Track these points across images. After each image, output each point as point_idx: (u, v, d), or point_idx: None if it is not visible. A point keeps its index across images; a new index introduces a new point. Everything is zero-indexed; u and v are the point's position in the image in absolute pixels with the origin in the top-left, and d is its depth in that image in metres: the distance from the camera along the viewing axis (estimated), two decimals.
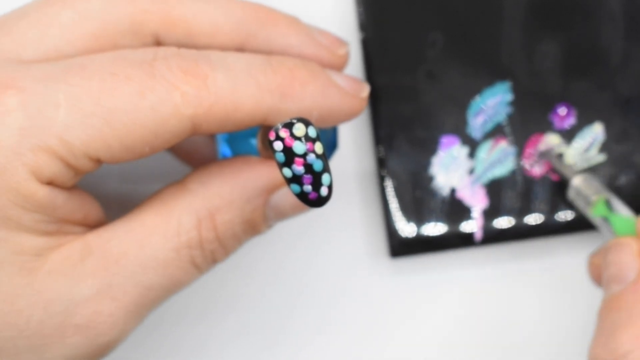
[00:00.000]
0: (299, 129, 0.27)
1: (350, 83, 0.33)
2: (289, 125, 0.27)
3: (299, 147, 0.27)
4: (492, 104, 0.42)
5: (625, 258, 0.34)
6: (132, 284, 0.31)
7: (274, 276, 0.43)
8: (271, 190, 0.33)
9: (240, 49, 0.33)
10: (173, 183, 0.33)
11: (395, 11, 0.42)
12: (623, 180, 0.42)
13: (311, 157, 0.27)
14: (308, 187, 0.28)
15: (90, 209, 0.32)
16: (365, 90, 0.34)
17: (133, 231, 0.31)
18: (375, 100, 0.42)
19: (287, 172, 0.27)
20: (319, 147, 0.27)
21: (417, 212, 0.41)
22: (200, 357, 0.43)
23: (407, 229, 0.41)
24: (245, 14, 0.33)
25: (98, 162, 0.30)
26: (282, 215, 0.34)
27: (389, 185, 0.41)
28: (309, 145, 0.27)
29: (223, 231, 0.32)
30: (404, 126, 0.42)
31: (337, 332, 0.43)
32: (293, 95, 0.31)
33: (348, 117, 0.33)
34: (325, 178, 0.28)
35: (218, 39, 0.32)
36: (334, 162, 0.43)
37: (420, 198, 0.41)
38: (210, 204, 0.32)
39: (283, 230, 0.43)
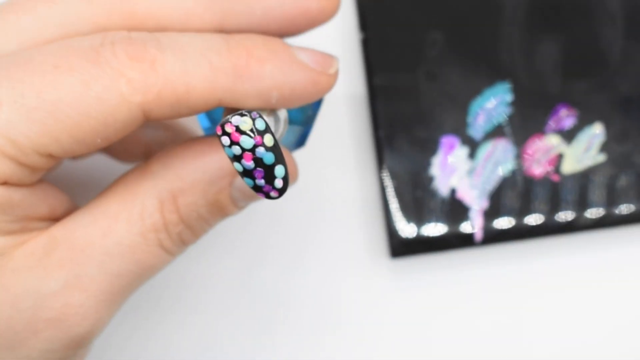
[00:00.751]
0: (245, 123, 0.26)
1: (317, 58, 0.31)
2: (235, 119, 0.26)
3: (246, 141, 0.27)
4: (492, 104, 0.42)
5: None
6: (100, 272, 0.31)
7: (273, 276, 0.43)
8: (234, 173, 0.32)
9: (221, 29, 0.32)
10: (138, 165, 0.32)
11: (395, 11, 0.42)
12: (623, 180, 0.42)
13: (260, 151, 0.27)
14: (261, 181, 0.27)
15: (56, 202, 0.31)
16: (334, 65, 0.32)
17: (98, 219, 0.31)
18: (375, 100, 0.42)
19: (237, 166, 0.27)
20: (268, 140, 0.27)
21: (417, 212, 0.41)
22: (197, 356, 0.43)
23: (407, 229, 0.41)
24: None
25: (52, 157, 0.29)
26: (250, 197, 0.33)
27: (389, 185, 0.41)
28: (257, 139, 0.27)
29: (186, 213, 0.32)
30: (404, 126, 0.42)
31: (337, 332, 0.43)
32: (250, 75, 0.30)
33: (314, 95, 0.31)
34: (278, 170, 0.27)
35: (193, 25, 0.32)
36: (334, 161, 0.43)
37: (420, 198, 0.41)
38: (171, 186, 0.31)
39: (283, 229, 0.43)
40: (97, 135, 0.29)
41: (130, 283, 0.31)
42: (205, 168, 0.31)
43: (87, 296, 0.30)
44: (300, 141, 0.35)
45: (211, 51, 0.30)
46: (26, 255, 0.30)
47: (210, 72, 0.29)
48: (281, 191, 0.28)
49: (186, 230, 0.32)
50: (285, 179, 0.27)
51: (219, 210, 0.32)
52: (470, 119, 0.42)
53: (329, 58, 0.32)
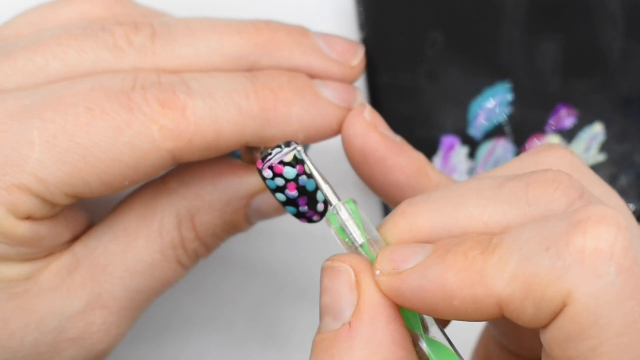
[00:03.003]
0: (287, 155, 0.27)
1: (341, 93, 0.32)
2: (276, 152, 0.27)
3: (289, 171, 0.27)
4: (492, 103, 0.42)
5: (342, 288, 0.26)
6: (121, 289, 0.31)
7: (273, 278, 0.43)
8: (253, 195, 0.32)
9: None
10: (154, 180, 0.32)
11: (395, 11, 0.42)
12: (623, 180, 0.42)
13: (303, 179, 0.27)
14: (304, 208, 0.28)
15: (77, 224, 0.32)
16: (357, 99, 0.32)
17: (117, 237, 0.31)
18: (375, 100, 0.42)
19: (280, 197, 0.27)
20: (308, 166, 0.27)
21: None
22: None
23: None
24: (242, 46, 0.31)
25: (75, 197, 0.29)
26: (264, 216, 0.33)
27: None
28: (298, 167, 0.27)
29: (202, 231, 0.32)
30: (404, 126, 0.42)
31: None
32: (277, 119, 0.30)
33: (338, 132, 0.32)
34: (319, 195, 0.28)
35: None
36: (333, 166, 0.43)
37: None
38: (190, 204, 0.32)
39: (283, 231, 0.43)
40: (125, 179, 0.29)
41: (149, 297, 0.32)
42: (224, 189, 0.32)
43: (108, 313, 0.31)
44: None
45: (239, 94, 0.30)
46: (51, 277, 0.30)
47: (238, 117, 0.29)
48: (322, 214, 0.28)
49: (201, 246, 0.32)
50: (325, 202, 0.28)
51: (233, 227, 0.33)
52: (470, 119, 0.42)
53: (351, 91, 0.32)
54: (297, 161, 0.27)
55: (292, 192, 0.27)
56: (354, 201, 0.27)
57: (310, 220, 0.28)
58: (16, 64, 0.30)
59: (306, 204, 0.28)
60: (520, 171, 0.27)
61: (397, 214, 0.27)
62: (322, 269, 0.26)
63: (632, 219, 0.28)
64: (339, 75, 0.32)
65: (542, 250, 0.23)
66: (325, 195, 0.27)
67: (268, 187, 0.27)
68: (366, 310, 0.25)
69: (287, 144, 0.27)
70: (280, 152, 0.27)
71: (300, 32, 0.32)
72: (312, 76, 0.32)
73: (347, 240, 0.27)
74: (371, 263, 0.26)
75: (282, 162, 0.27)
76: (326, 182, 0.27)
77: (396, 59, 0.42)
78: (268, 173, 0.27)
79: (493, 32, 0.42)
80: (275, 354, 0.43)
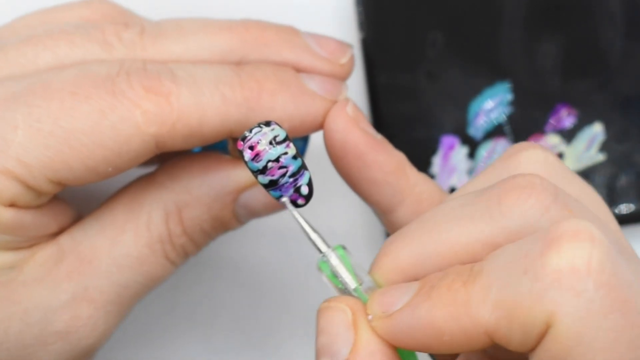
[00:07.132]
0: (267, 134, 0.27)
1: (327, 86, 0.32)
2: (255, 132, 0.27)
3: (270, 152, 0.27)
4: (492, 103, 0.42)
5: (338, 327, 0.26)
6: (108, 283, 0.31)
7: (272, 278, 0.43)
8: (241, 190, 0.32)
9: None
10: (143, 176, 0.32)
11: (395, 11, 0.42)
12: (623, 180, 0.42)
13: (285, 159, 0.27)
14: (288, 190, 0.27)
15: (64, 217, 0.32)
16: (343, 92, 0.32)
17: (104, 230, 0.31)
18: (375, 100, 0.42)
19: (262, 179, 0.27)
20: (291, 147, 0.27)
21: None
22: None
23: None
24: (231, 42, 0.31)
25: (60, 184, 0.29)
26: (253, 214, 0.33)
27: None
28: (279, 147, 0.27)
29: (190, 226, 0.32)
30: (404, 126, 0.42)
31: None
32: (261, 108, 0.30)
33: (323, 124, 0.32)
34: (303, 177, 0.27)
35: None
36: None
37: None
38: (177, 198, 0.32)
39: (282, 231, 0.43)
40: (109, 164, 0.29)
41: (137, 293, 0.32)
42: (211, 183, 0.32)
43: (95, 308, 0.31)
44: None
45: (224, 84, 0.30)
46: (36, 268, 0.30)
47: (223, 105, 0.30)
48: (307, 198, 0.28)
49: (189, 242, 0.32)
50: (311, 185, 0.27)
51: (221, 224, 0.33)
52: (470, 119, 0.42)
53: (338, 84, 0.32)
54: (278, 141, 0.27)
55: (274, 173, 0.27)
56: (344, 247, 0.27)
57: (295, 204, 0.28)
58: (7, 57, 0.30)
59: (289, 186, 0.27)
60: (495, 179, 0.26)
61: (380, 255, 0.27)
62: (319, 311, 0.26)
63: (610, 216, 0.28)
64: (328, 72, 0.32)
65: (520, 274, 0.23)
66: (314, 244, 0.27)
67: (250, 168, 0.27)
68: (363, 349, 0.25)
69: (267, 124, 0.27)
70: (260, 131, 0.27)
71: (290, 31, 0.32)
72: (300, 72, 0.32)
73: (339, 285, 0.27)
74: (365, 305, 0.26)
75: (262, 142, 0.27)
76: (314, 230, 0.27)
77: (396, 59, 0.42)
78: (248, 154, 0.27)
79: (493, 32, 0.42)
80: (265, 357, 0.43)
